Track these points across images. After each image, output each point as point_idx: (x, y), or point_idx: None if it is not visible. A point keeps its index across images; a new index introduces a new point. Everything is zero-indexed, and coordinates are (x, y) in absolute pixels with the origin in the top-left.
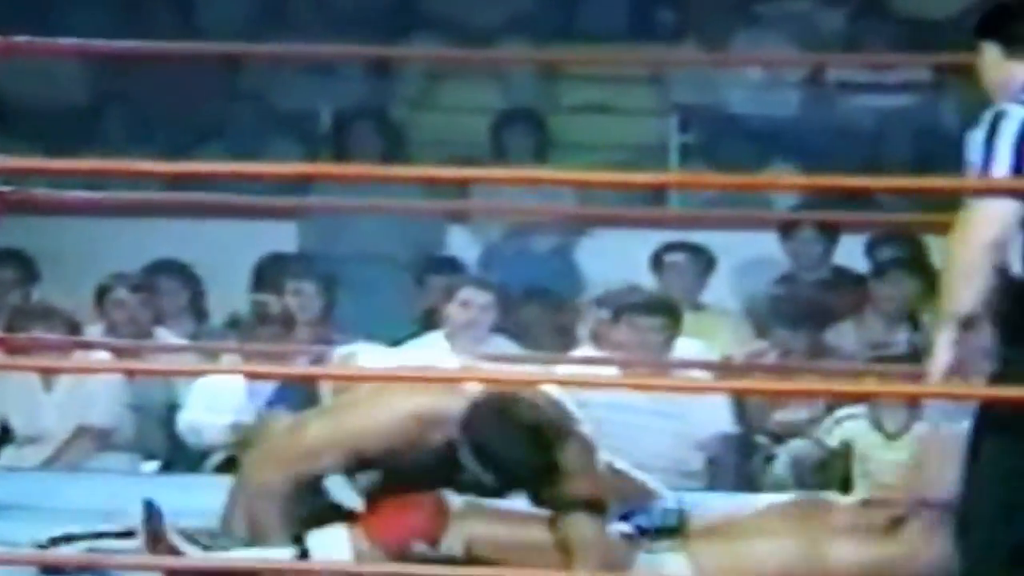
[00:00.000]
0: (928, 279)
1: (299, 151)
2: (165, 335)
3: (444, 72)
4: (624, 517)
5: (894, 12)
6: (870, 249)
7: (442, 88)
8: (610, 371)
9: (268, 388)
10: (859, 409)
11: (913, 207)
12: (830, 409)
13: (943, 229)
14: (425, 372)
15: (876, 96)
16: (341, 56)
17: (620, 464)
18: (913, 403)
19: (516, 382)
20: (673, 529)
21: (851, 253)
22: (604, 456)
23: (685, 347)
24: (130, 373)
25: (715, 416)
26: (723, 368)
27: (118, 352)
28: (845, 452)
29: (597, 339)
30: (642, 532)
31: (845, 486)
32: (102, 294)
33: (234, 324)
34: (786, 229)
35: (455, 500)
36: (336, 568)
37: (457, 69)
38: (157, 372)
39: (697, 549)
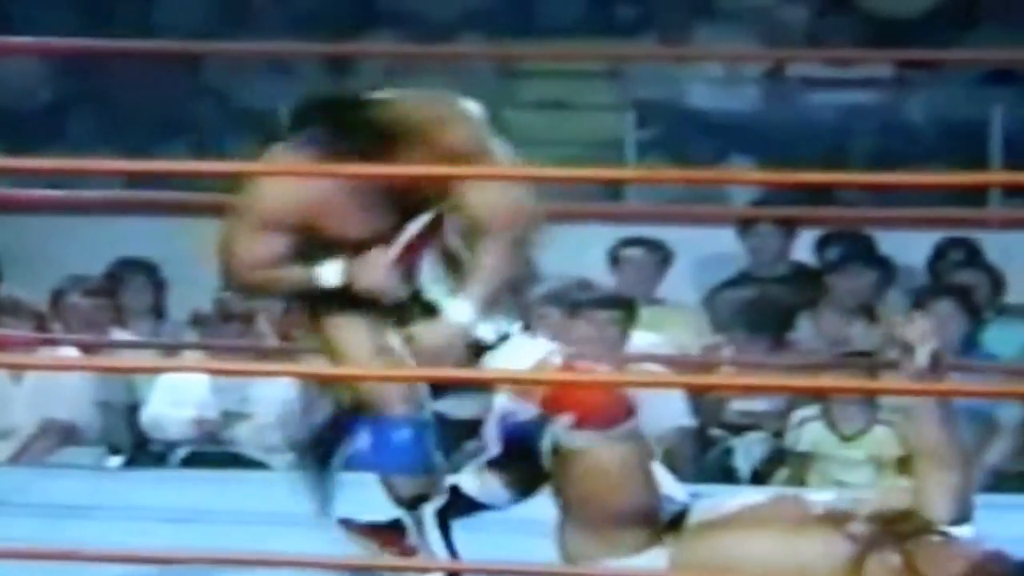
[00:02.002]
0: (883, 273)
1: (260, 149)
2: (121, 336)
3: (402, 68)
4: None
5: (857, 8)
6: (821, 245)
7: (400, 85)
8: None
9: (231, 384)
10: (816, 409)
11: (873, 203)
12: (789, 403)
13: (904, 224)
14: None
15: (838, 92)
16: (300, 53)
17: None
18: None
19: (477, 380)
20: (675, 522)
21: (805, 248)
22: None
23: (641, 341)
24: (100, 370)
25: (671, 409)
26: (680, 362)
27: (84, 348)
28: (807, 454)
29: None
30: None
31: (801, 483)
32: (58, 297)
33: (197, 322)
34: (744, 224)
35: None
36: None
37: (415, 65)
38: (129, 370)
39: (682, 544)
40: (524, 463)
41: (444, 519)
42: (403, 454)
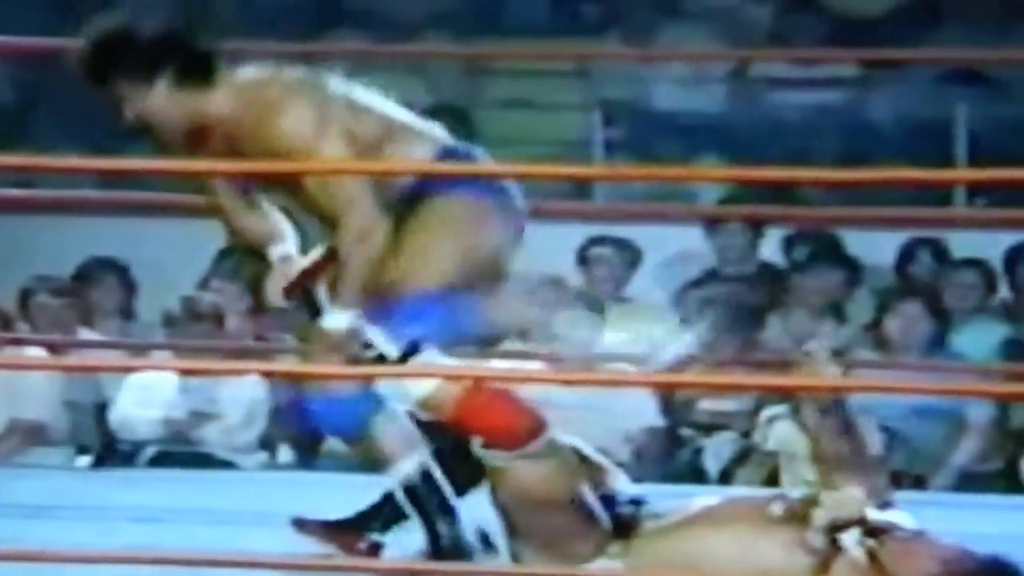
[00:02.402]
0: (850, 273)
1: None
2: (88, 336)
3: (368, 67)
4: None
5: (821, 7)
6: (788, 244)
7: (366, 84)
8: (536, 364)
9: (199, 384)
10: (784, 408)
11: (840, 203)
12: (757, 402)
13: (870, 223)
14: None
15: (802, 91)
16: (265, 53)
17: (588, 450)
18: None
19: (448, 377)
20: (629, 519)
21: (771, 248)
22: (573, 441)
23: (610, 340)
24: (69, 370)
25: (641, 409)
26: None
27: (52, 348)
28: (775, 452)
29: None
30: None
31: (773, 482)
32: (25, 297)
33: (168, 322)
34: (712, 223)
35: None
36: None
37: (381, 64)
38: (98, 369)
39: (636, 549)
40: (465, 459)
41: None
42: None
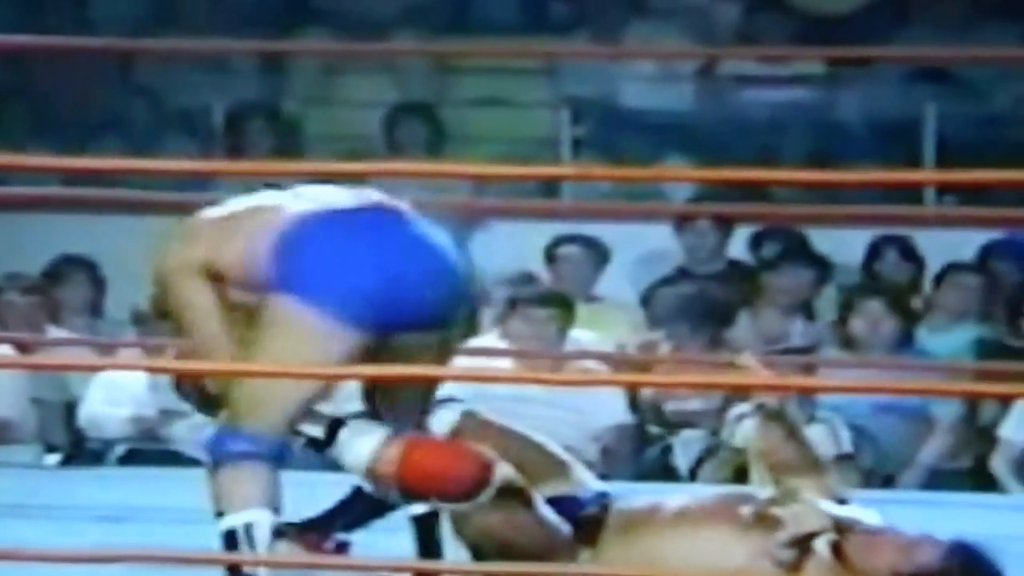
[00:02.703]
0: (819, 271)
1: (193, 147)
2: (57, 334)
3: (337, 66)
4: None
5: (789, 6)
6: (755, 242)
7: (335, 82)
8: (505, 362)
9: (169, 381)
10: (752, 406)
11: (808, 201)
12: (725, 400)
13: (840, 222)
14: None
15: (770, 89)
16: (234, 51)
17: (553, 447)
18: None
19: (417, 377)
20: (595, 519)
21: (739, 246)
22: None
23: (579, 338)
24: (38, 368)
25: (609, 407)
26: (618, 360)
27: (20, 346)
28: (742, 449)
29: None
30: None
31: (741, 479)
32: None
33: (137, 320)
34: (681, 221)
35: None
36: None
37: (350, 63)
38: (67, 367)
39: (606, 546)
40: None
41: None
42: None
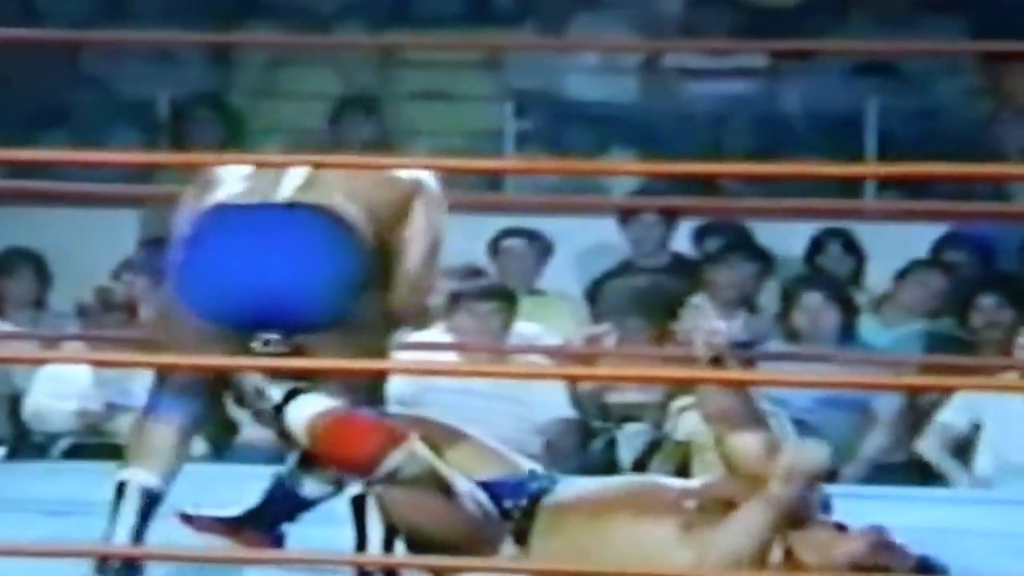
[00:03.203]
0: (762, 264)
1: (139, 139)
2: (1, 327)
3: (282, 59)
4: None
5: None
6: (699, 236)
7: (281, 75)
8: (450, 355)
9: (114, 375)
10: (695, 399)
11: (750, 193)
12: (668, 393)
13: (784, 214)
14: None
15: (714, 82)
16: (180, 43)
17: (489, 440)
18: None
19: (359, 371)
20: (528, 508)
21: (683, 239)
22: (474, 431)
23: (524, 331)
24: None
25: (553, 400)
26: (561, 353)
27: None
28: (685, 442)
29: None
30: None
31: (684, 474)
32: None
33: (82, 313)
34: (626, 215)
35: None
36: None
37: (295, 56)
38: (11, 360)
39: (538, 534)
40: None
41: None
42: None
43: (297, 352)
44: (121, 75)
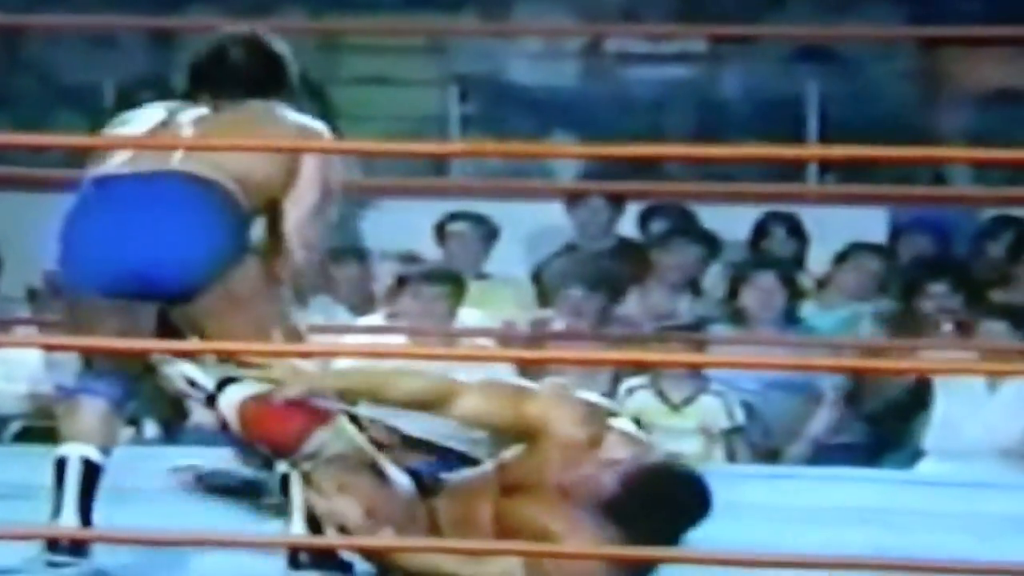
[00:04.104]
0: (707, 247)
1: (84, 123)
2: None
3: None
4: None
5: None
6: (644, 219)
7: None
8: (398, 338)
9: (65, 359)
10: (644, 379)
11: (692, 177)
12: (615, 376)
13: (729, 198)
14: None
15: (654, 67)
16: (122, 27)
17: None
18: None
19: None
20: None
21: (628, 223)
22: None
23: (467, 317)
24: None
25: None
26: (507, 337)
27: None
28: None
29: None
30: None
31: None
32: None
33: (32, 297)
34: (572, 199)
35: None
36: None
37: None
38: None
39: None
40: None
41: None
42: None
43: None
44: (63, 60)
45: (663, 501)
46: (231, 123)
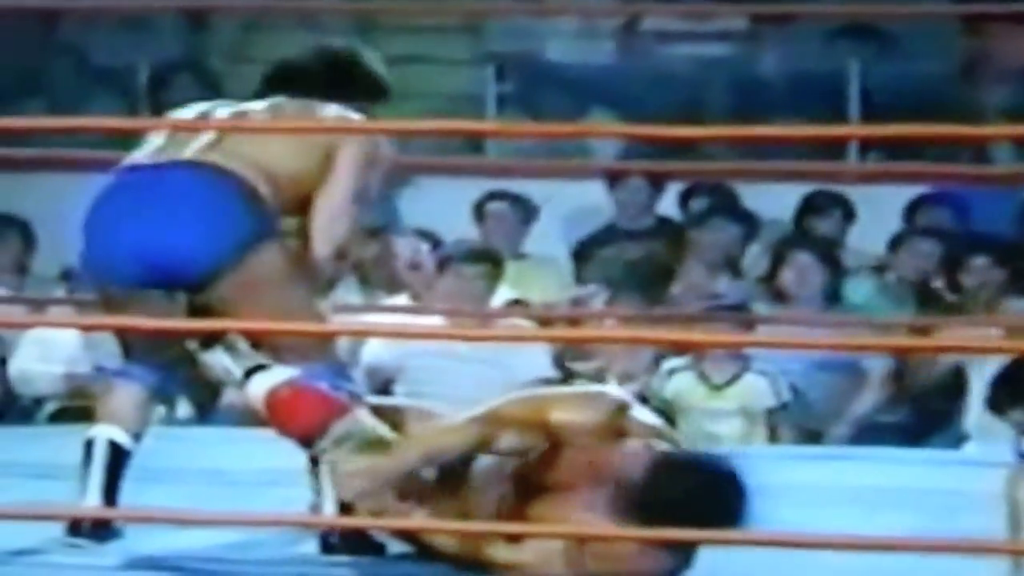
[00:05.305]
0: (747, 227)
1: (118, 106)
2: None
3: (259, 23)
4: None
5: None
6: (684, 198)
7: (258, 39)
8: (434, 319)
9: (102, 338)
10: (685, 360)
11: (731, 156)
12: (657, 356)
13: (768, 177)
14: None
15: (692, 45)
16: (156, 10)
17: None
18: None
19: (353, 332)
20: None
21: (668, 202)
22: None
23: (502, 297)
24: None
25: (535, 362)
26: (544, 317)
27: None
28: (670, 405)
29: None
30: None
31: None
32: None
33: (65, 277)
34: (613, 178)
35: None
36: None
37: (273, 19)
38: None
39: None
40: None
41: None
42: None
43: (205, 311)
44: (98, 43)
45: (690, 499)
46: (267, 116)
